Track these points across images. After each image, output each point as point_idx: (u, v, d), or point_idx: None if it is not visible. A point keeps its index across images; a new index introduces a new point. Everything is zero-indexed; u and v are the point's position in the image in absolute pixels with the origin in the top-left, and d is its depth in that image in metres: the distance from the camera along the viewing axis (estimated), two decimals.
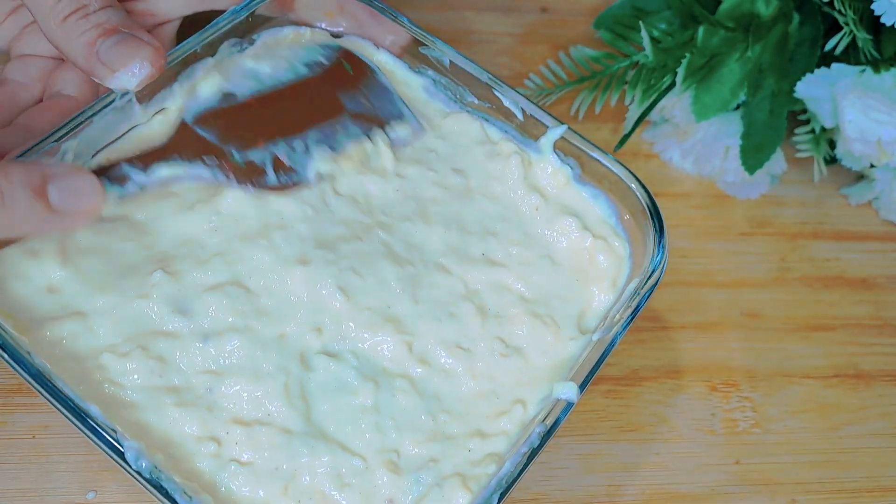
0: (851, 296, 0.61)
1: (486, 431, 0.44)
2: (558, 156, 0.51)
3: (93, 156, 0.47)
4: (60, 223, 0.40)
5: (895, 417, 0.57)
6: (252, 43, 0.52)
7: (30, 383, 0.39)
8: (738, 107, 0.62)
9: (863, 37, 0.58)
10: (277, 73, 0.49)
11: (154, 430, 0.41)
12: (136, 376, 0.42)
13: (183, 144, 0.45)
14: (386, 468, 0.42)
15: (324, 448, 0.42)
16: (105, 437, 0.38)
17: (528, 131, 0.52)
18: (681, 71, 0.60)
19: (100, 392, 0.41)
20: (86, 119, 0.45)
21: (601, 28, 0.68)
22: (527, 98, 0.51)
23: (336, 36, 0.54)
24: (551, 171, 0.51)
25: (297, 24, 0.53)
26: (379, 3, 0.53)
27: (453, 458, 0.43)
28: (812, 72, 0.59)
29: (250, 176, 0.46)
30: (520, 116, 0.51)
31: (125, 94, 0.46)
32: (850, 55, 0.60)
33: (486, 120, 0.53)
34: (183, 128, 0.46)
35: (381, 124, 0.50)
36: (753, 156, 0.61)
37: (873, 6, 0.56)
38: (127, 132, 0.48)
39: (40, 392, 0.39)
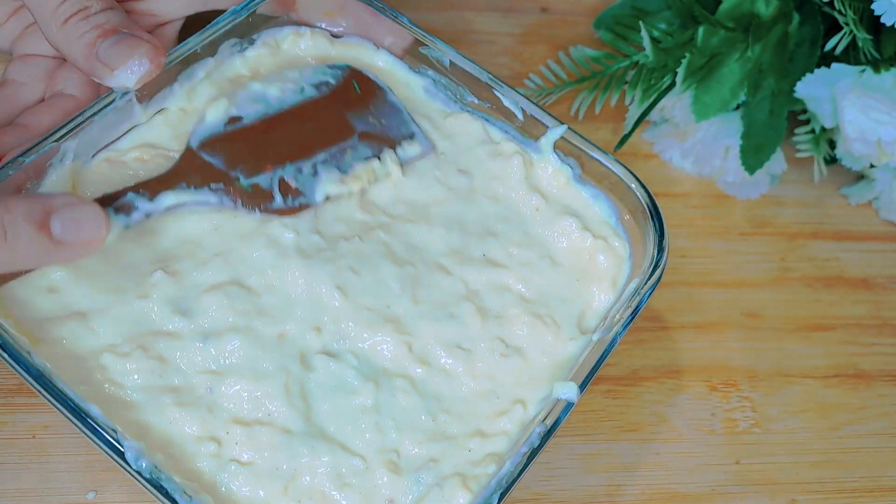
0: (851, 296, 0.61)
1: (486, 431, 0.44)
2: (558, 156, 0.51)
3: (93, 155, 0.47)
4: (64, 255, 0.39)
5: (895, 417, 0.57)
6: (252, 43, 0.52)
7: (30, 383, 0.39)
8: (738, 107, 0.62)
9: (863, 37, 0.58)
10: (285, 95, 0.48)
11: (154, 430, 0.41)
12: (136, 376, 0.42)
13: (189, 171, 0.45)
14: (386, 468, 0.42)
15: (324, 448, 0.42)
16: (105, 437, 0.38)
17: (528, 131, 0.51)
18: (681, 71, 0.60)
19: (100, 392, 0.41)
20: (86, 119, 0.45)
21: (601, 28, 0.68)
22: (527, 98, 0.51)
23: (336, 36, 0.54)
24: (551, 171, 0.51)
25: (298, 23, 0.53)
26: (379, 3, 0.53)
27: (453, 458, 0.43)
28: (812, 72, 0.59)
29: (257, 201, 0.46)
30: (520, 116, 0.51)
31: (126, 93, 0.46)
32: (850, 55, 0.60)
33: (487, 120, 0.53)
34: (189, 154, 0.46)
35: (392, 144, 0.49)
36: (753, 156, 0.60)
37: (873, 6, 0.56)
38: (127, 132, 0.48)
39: (41, 392, 0.39)
